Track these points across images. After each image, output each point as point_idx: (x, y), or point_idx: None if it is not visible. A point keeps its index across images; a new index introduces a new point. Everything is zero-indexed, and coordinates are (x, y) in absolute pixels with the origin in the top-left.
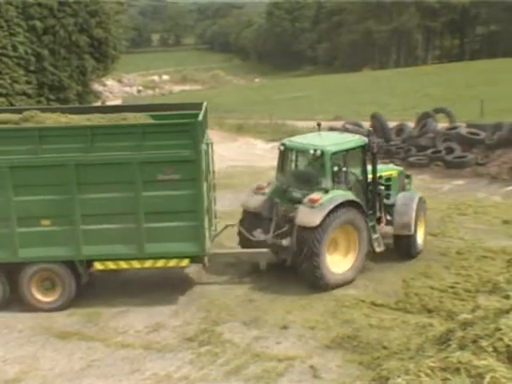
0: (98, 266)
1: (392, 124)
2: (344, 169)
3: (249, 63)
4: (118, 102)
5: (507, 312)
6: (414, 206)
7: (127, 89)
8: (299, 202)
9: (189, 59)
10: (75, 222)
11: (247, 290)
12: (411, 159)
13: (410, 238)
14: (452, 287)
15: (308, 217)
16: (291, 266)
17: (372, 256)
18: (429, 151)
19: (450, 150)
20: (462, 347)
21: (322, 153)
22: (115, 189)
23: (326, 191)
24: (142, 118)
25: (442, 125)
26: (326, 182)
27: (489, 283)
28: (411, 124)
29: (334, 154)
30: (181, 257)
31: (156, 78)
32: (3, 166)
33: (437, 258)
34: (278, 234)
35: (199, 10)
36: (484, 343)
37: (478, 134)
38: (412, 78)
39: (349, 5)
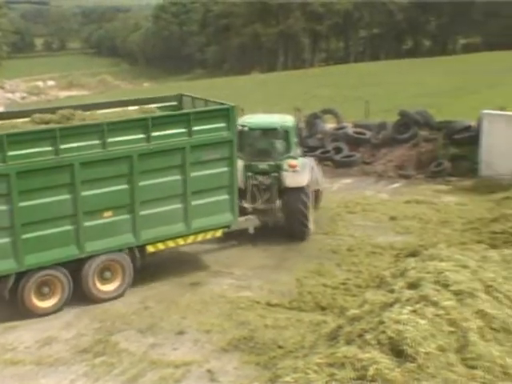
0: (150, 249)
1: None
2: (296, 140)
3: (137, 67)
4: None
5: (391, 305)
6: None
7: (9, 95)
8: (267, 172)
9: (75, 64)
10: (135, 209)
11: (142, 297)
12: None
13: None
14: (344, 284)
15: (296, 179)
16: (273, 227)
17: (267, 256)
18: (318, 151)
19: (338, 150)
20: (348, 342)
21: (287, 128)
22: (169, 173)
23: (295, 158)
24: (153, 109)
25: (329, 125)
26: (294, 151)
27: (377, 278)
28: (300, 125)
29: (293, 128)
30: (216, 228)
31: (40, 83)
32: (74, 162)
33: (329, 255)
34: (267, 199)
35: (84, 13)
36: (368, 337)
37: (364, 134)
38: (300, 80)
39: (236, 8)
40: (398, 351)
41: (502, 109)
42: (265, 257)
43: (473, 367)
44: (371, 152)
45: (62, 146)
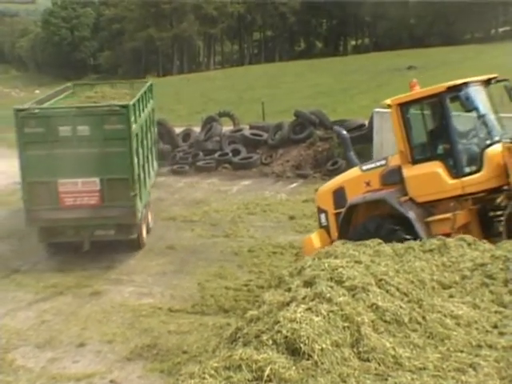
0: None
1: (179, 130)
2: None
3: (27, 74)
4: None
5: (287, 304)
6: None
7: None
8: None
9: None
10: None
11: (39, 312)
12: (199, 163)
13: None
14: (246, 285)
15: None
16: None
17: (167, 261)
18: (216, 154)
19: (236, 152)
20: (245, 344)
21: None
22: None
23: None
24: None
25: (227, 128)
26: None
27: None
28: (197, 129)
29: None
30: None
31: None
32: None
33: (230, 258)
34: None
35: None
36: (265, 337)
37: (260, 135)
38: (196, 84)
39: (129, 13)
40: (293, 350)
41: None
42: (165, 262)
43: (367, 360)
44: (269, 153)
45: None
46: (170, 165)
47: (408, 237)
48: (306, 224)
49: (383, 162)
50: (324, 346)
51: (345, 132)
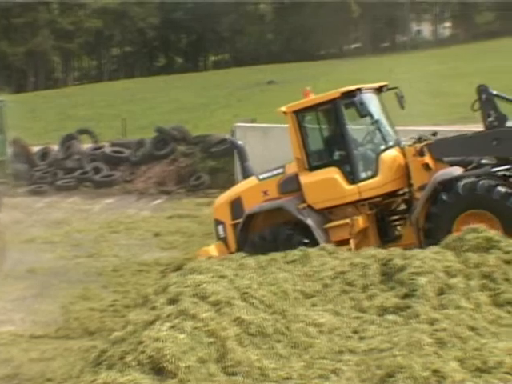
0: None
1: (36, 148)
2: None
3: None
4: None
5: (152, 323)
6: None
7: None
8: None
9: None
10: None
11: None
12: (59, 183)
13: None
14: (111, 306)
15: None
16: None
17: (27, 285)
18: (76, 173)
19: (97, 170)
20: (110, 366)
21: None
22: None
23: None
24: None
25: (87, 145)
26: None
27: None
28: (56, 147)
29: None
30: None
31: None
32: None
33: (94, 278)
34: None
35: None
36: (129, 358)
37: (122, 152)
38: (53, 101)
39: None
40: (158, 369)
41: (252, 121)
42: (25, 287)
43: (233, 374)
44: (131, 170)
45: None
46: (28, 185)
47: (307, 241)
48: (172, 240)
49: (280, 171)
50: (189, 363)
51: (240, 142)
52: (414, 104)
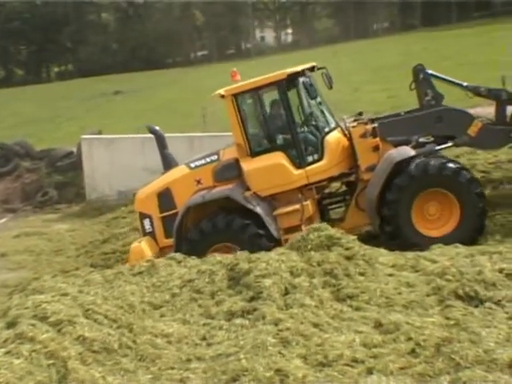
0: None
1: None
2: None
3: None
4: None
5: None
6: None
7: None
8: None
9: None
10: None
11: None
12: None
13: None
14: None
15: None
16: None
17: None
18: None
19: None
20: None
21: None
22: None
23: None
24: None
25: None
26: None
27: None
28: None
29: None
30: None
31: None
32: None
33: None
34: None
35: None
36: None
37: None
38: None
39: None
40: None
41: (99, 133)
42: None
43: None
44: None
45: None
46: None
47: (261, 232)
48: (20, 260)
49: (214, 158)
50: None
51: (157, 128)
52: None
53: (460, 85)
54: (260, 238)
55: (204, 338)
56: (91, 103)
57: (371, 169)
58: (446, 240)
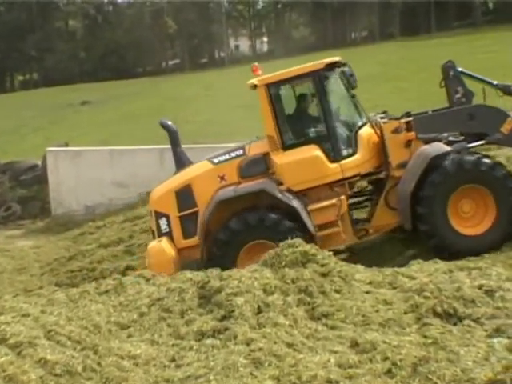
0: None
1: None
2: None
3: None
4: None
5: None
6: None
7: None
8: None
9: None
10: None
11: None
12: None
13: None
14: None
15: None
16: None
17: None
18: None
19: None
20: None
21: None
22: None
23: None
24: None
25: None
26: None
27: None
28: None
29: None
30: None
31: None
32: None
33: None
34: None
35: None
36: None
37: None
38: None
39: None
40: None
41: (66, 145)
42: None
43: None
44: None
45: None
46: None
47: (296, 225)
48: None
49: (239, 152)
50: None
51: (170, 122)
52: (233, 119)
53: (490, 83)
54: (295, 232)
55: (173, 360)
56: (57, 114)
57: (402, 165)
58: (485, 238)
